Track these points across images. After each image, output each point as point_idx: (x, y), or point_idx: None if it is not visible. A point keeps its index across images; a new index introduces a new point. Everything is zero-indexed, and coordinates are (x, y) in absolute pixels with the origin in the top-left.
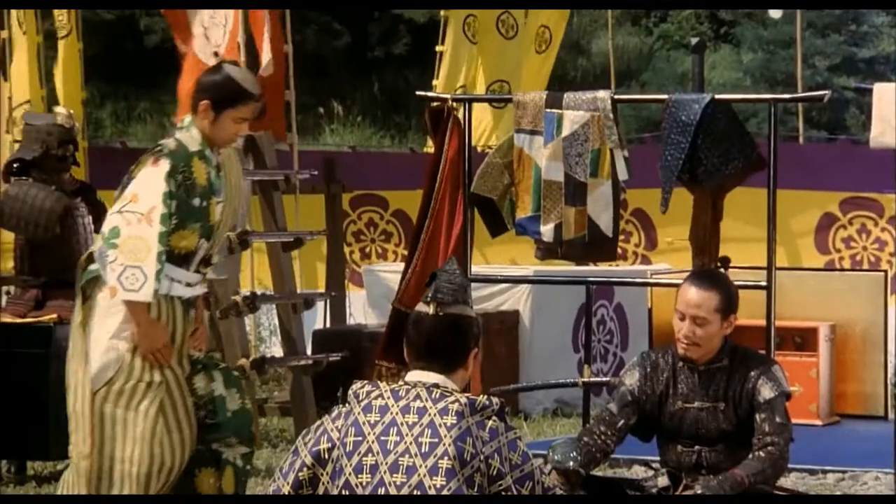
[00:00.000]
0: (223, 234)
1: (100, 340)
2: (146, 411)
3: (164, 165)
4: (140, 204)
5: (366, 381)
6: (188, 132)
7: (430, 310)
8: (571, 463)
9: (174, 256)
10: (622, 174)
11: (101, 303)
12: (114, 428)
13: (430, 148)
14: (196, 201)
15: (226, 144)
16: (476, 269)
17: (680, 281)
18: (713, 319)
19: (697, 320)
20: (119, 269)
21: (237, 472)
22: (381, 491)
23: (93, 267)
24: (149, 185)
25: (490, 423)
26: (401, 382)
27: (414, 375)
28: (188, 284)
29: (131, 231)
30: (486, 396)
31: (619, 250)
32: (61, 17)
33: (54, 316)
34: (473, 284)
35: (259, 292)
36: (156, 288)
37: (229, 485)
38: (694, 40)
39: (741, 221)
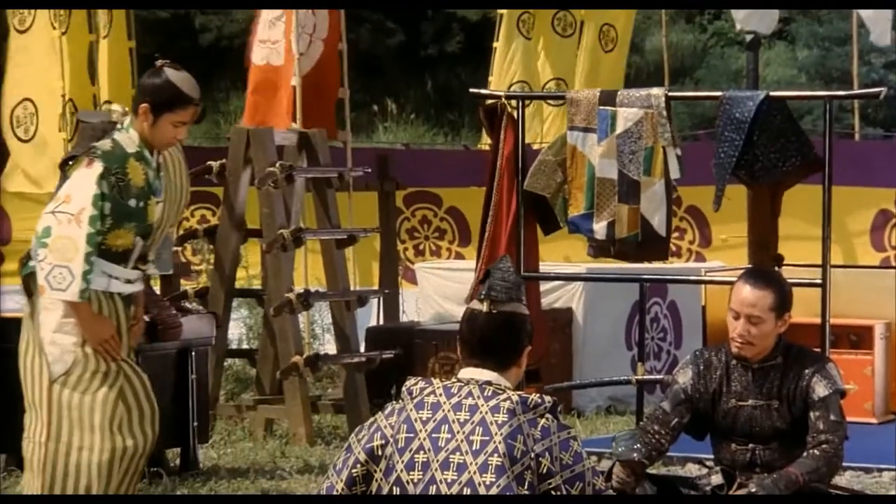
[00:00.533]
0: (163, 232)
1: (45, 335)
2: (105, 398)
3: (97, 167)
4: (72, 205)
5: (419, 378)
6: (126, 133)
7: (484, 307)
8: (636, 455)
9: (112, 254)
10: (675, 173)
11: (40, 299)
12: (71, 416)
13: (483, 145)
14: (132, 202)
15: (164, 147)
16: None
17: (734, 278)
18: (768, 318)
19: (752, 319)
20: (48, 269)
21: None
22: (433, 489)
23: (31, 263)
24: (81, 186)
25: (543, 421)
26: (454, 379)
27: (467, 373)
28: (127, 281)
29: (61, 231)
30: (538, 394)
31: (673, 247)
32: (101, 17)
33: None
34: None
35: (313, 290)
36: (83, 288)
37: None
38: (748, 37)
39: (796, 219)
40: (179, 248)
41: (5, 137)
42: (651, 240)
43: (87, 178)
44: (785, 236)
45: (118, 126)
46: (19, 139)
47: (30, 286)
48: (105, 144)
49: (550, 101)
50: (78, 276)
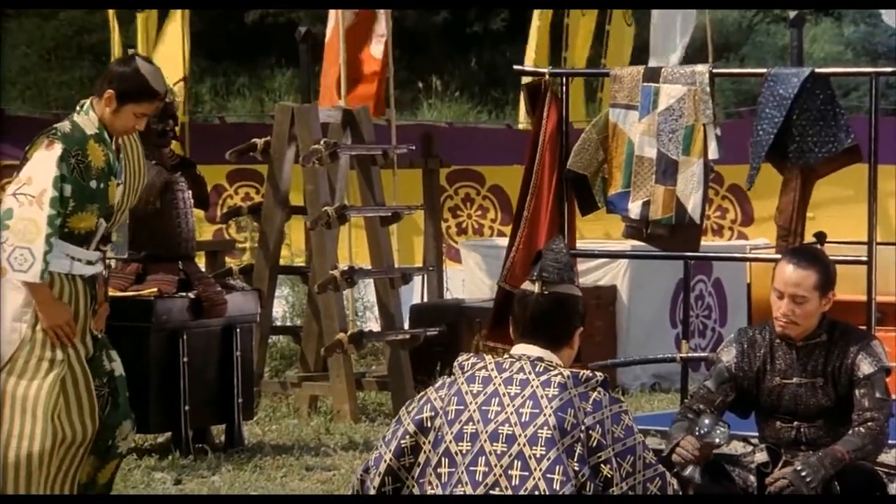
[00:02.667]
0: (124, 214)
1: (5, 321)
2: (48, 387)
3: (57, 149)
4: (33, 186)
5: (471, 354)
6: (86, 115)
7: (536, 288)
8: (717, 438)
9: (74, 236)
10: (713, 153)
11: (2, 283)
12: (13, 405)
13: (524, 123)
14: (93, 183)
15: (123, 134)
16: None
17: (778, 256)
18: (812, 297)
19: (796, 299)
20: (9, 250)
21: (118, 465)
22: (482, 460)
23: None
24: (41, 168)
25: (594, 394)
26: (505, 356)
27: (519, 349)
28: (88, 262)
29: (22, 213)
30: (589, 370)
31: (715, 226)
32: None
33: (155, 290)
34: None
35: (357, 267)
36: (43, 268)
37: (106, 476)
38: (793, 13)
39: (836, 193)
40: (224, 226)
41: None
42: (684, 225)
43: (47, 160)
44: (829, 213)
45: (77, 108)
46: None
47: None
48: (64, 126)
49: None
50: (39, 258)
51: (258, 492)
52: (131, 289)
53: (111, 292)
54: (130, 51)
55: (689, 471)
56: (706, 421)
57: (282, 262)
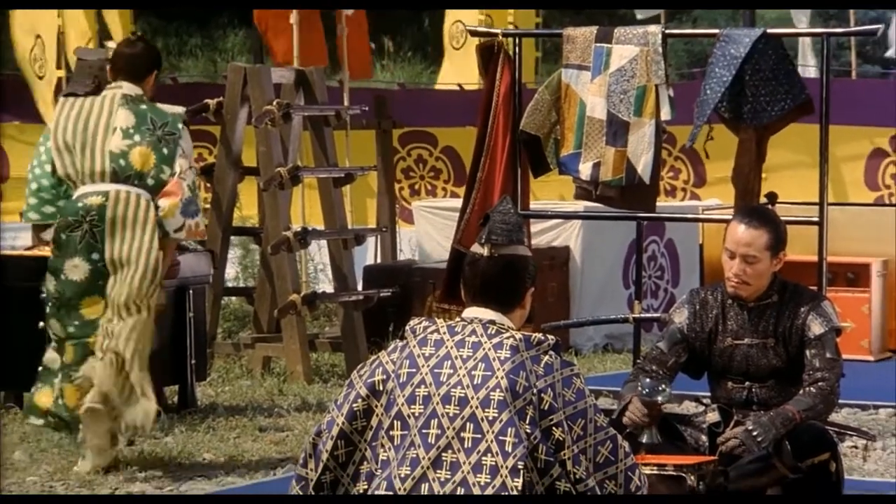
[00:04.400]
0: None
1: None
2: None
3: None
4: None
5: (423, 318)
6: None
7: (485, 251)
8: (660, 397)
9: None
10: (666, 114)
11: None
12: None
13: (470, 84)
14: None
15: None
16: (532, 205)
17: (731, 216)
18: (763, 257)
19: (748, 258)
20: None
21: None
22: (434, 422)
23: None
24: (190, 145)
25: (546, 357)
26: (457, 319)
27: (471, 312)
28: None
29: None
30: (541, 333)
31: (668, 186)
32: None
33: None
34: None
35: (310, 228)
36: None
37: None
38: None
39: (787, 154)
40: None
41: (27, 76)
42: (635, 186)
43: (189, 138)
44: (779, 173)
45: (147, 98)
46: (37, 76)
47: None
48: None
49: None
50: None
51: (211, 452)
52: None
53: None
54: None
55: (646, 437)
56: (647, 381)
57: (234, 223)
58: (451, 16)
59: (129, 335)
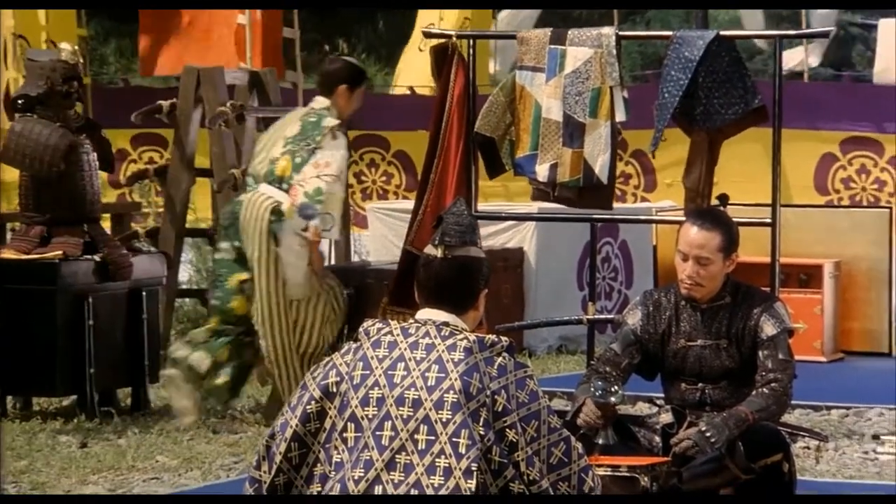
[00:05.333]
0: None
1: (301, 266)
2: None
3: (342, 139)
4: (331, 168)
5: (377, 319)
6: (331, 113)
7: (439, 253)
8: (613, 399)
9: None
10: (620, 115)
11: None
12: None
13: (422, 87)
14: None
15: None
16: (481, 206)
17: (685, 218)
18: (716, 259)
19: (701, 260)
20: (319, 217)
21: None
22: (387, 424)
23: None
24: (335, 154)
25: (499, 359)
26: (411, 321)
27: (424, 314)
28: None
29: (329, 189)
30: (495, 335)
31: (619, 192)
32: None
33: (59, 252)
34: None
35: None
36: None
37: None
38: None
39: (743, 157)
40: (128, 190)
41: None
42: (593, 187)
43: (338, 148)
44: (728, 173)
45: (322, 108)
46: None
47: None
48: (332, 121)
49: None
50: (337, 221)
51: (165, 454)
52: (35, 251)
53: (14, 255)
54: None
55: (600, 438)
56: (600, 382)
57: (188, 225)
58: (425, 17)
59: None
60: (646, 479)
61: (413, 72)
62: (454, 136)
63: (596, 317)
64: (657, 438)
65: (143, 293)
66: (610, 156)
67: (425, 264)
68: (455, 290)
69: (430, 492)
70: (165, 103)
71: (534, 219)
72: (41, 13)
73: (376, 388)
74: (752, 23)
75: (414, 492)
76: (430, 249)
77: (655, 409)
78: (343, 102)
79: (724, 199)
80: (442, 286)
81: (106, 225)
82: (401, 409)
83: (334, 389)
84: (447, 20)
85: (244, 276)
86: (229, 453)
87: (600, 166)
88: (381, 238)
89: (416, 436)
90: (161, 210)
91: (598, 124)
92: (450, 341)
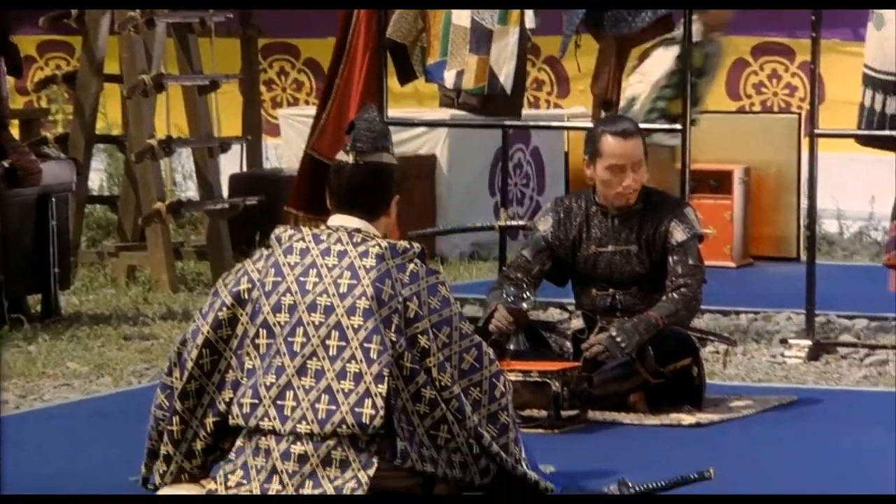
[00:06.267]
0: None
1: None
2: None
3: None
4: None
5: (289, 226)
6: None
7: (350, 159)
8: (525, 304)
9: None
10: (530, 21)
11: None
12: None
13: None
14: None
15: None
16: (392, 112)
17: (592, 124)
18: (643, 162)
19: (635, 167)
20: None
21: None
22: (300, 330)
23: None
24: None
25: (411, 266)
26: (322, 227)
27: (336, 220)
28: None
29: None
30: (407, 241)
31: (532, 98)
32: None
33: None
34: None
35: (174, 136)
36: None
37: None
38: None
39: None
40: (35, 97)
41: None
42: (497, 95)
43: None
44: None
45: None
46: None
47: None
48: None
49: None
50: None
51: (76, 361)
52: None
53: None
54: None
55: (511, 344)
56: (512, 289)
57: (99, 131)
58: None
59: None
60: (557, 384)
61: None
62: (361, 42)
63: (508, 223)
64: (568, 344)
65: (53, 199)
66: (516, 65)
67: (337, 170)
68: (367, 196)
69: (340, 397)
70: (74, 9)
71: (446, 125)
72: None
73: (288, 295)
74: None
75: (325, 397)
76: (341, 155)
77: (566, 315)
78: None
79: (608, 105)
80: (354, 192)
81: (14, 132)
82: (313, 315)
83: (246, 296)
84: None
85: None
86: (141, 360)
87: (505, 75)
88: (293, 144)
89: (327, 342)
90: (70, 116)
91: (507, 31)
92: (362, 248)
